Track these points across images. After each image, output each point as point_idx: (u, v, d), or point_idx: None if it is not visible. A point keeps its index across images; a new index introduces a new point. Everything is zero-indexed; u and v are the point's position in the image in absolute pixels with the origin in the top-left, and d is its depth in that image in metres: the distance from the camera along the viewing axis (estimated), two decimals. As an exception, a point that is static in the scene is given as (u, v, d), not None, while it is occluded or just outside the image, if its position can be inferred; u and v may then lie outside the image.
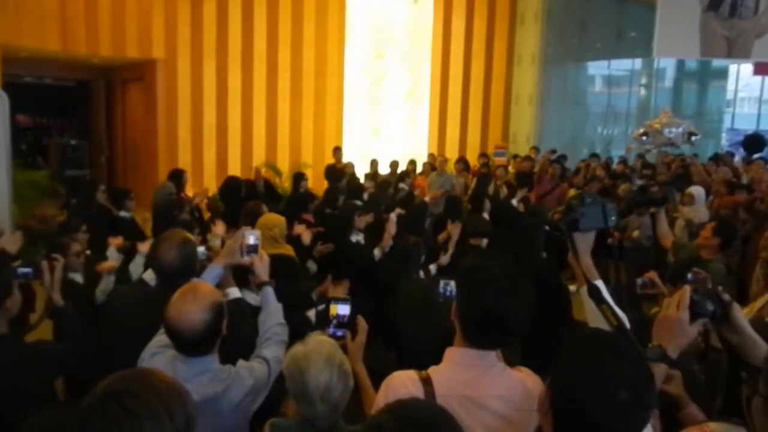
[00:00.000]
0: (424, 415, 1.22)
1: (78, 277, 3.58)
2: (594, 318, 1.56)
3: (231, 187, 6.08)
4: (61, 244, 3.45)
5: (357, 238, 5.00)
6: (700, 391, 2.24)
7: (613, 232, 6.76)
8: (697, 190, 6.47)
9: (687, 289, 1.46)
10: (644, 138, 12.45)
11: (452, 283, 2.40)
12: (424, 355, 1.87)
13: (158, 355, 2.02)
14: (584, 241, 1.63)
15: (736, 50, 8.33)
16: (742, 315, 1.47)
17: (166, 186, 6.55)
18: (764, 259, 3.20)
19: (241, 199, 5.58)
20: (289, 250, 4.16)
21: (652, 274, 3.25)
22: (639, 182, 7.64)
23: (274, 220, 4.14)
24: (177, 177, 6.63)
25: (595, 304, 1.56)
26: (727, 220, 5.20)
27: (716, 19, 8.25)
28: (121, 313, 2.45)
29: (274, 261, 2.50)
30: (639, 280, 3.28)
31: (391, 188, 7.73)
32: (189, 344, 1.93)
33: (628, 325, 1.54)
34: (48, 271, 2.47)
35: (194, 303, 1.92)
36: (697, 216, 6.12)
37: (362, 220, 5.04)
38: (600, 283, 1.58)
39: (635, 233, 6.46)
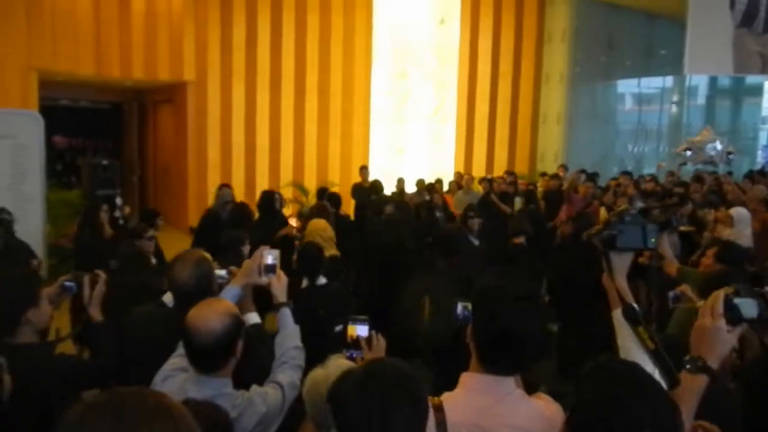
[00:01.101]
0: (391, 372, 1.33)
1: None
2: (628, 342, 1.48)
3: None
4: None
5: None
6: (735, 413, 2.13)
7: (644, 252, 6.61)
8: (737, 212, 5.91)
9: (720, 295, 1.37)
10: (688, 153, 12.27)
11: (470, 305, 2.34)
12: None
13: (171, 378, 1.99)
14: (621, 261, 1.56)
15: (771, 66, 8.14)
16: None
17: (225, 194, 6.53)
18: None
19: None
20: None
21: (685, 287, 3.11)
22: (639, 204, 7.27)
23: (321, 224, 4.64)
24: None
25: (630, 327, 1.48)
26: (729, 243, 4.85)
27: (750, 35, 8.08)
28: (137, 334, 2.44)
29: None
30: (671, 294, 3.15)
31: (413, 211, 7.62)
32: (203, 353, 1.89)
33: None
34: (89, 286, 2.49)
35: (213, 310, 1.91)
36: (739, 240, 5.51)
37: None
38: (636, 306, 1.51)
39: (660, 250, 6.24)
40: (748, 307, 1.36)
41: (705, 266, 3.67)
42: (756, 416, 2.15)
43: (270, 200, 6.29)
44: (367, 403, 1.29)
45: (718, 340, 1.36)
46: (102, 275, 2.57)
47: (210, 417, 1.59)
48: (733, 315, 1.35)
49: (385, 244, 4.91)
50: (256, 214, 6.33)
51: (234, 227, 5.06)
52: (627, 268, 1.58)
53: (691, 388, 1.36)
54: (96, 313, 2.50)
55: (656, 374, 1.40)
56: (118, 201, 6.34)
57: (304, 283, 3.69)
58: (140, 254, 4.15)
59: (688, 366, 1.38)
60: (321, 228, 4.84)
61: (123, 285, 3.17)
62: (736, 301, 1.36)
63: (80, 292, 2.52)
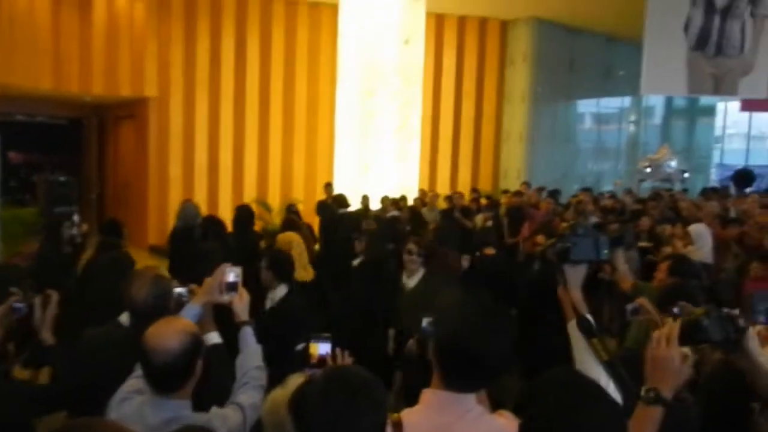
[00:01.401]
0: (354, 378, 1.33)
1: None
2: (582, 353, 1.49)
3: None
4: None
5: None
6: (693, 427, 2.16)
7: (603, 267, 6.72)
8: (696, 229, 6.06)
9: (675, 325, 1.38)
10: (647, 170, 12.64)
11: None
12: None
13: (127, 401, 1.91)
14: (575, 274, 1.57)
15: (723, 87, 8.44)
16: (756, 343, 1.41)
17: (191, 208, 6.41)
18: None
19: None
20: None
21: (643, 300, 3.16)
22: (594, 219, 7.35)
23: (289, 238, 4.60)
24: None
25: (585, 339, 1.49)
26: (681, 257, 4.92)
27: (703, 58, 8.38)
28: (92, 356, 2.35)
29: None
30: (629, 306, 3.19)
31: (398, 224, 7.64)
32: (161, 374, 1.82)
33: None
34: (40, 308, 2.39)
35: (171, 328, 1.85)
36: (698, 256, 5.62)
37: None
38: (590, 317, 1.52)
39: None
40: (716, 329, 1.37)
41: (659, 280, 3.69)
42: (717, 429, 2.19)
43: (249, 214, 6.20)
44: (332, 409, 1.28)
45: (673, 370, 1.37)
46: (54, 295, 2.47)
47: None
48: (701, 337, 1.36)
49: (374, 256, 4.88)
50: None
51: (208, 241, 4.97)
52: (581, 280, 1.59)
53: (647, 419, 1.37)
54: (48, 336, 2.40)
55: (610, 386, 1.41)
56: (76, 218, 6.14)
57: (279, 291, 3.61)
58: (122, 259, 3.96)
59: (643, 397, 1.38)
60: (288, 242, 4.68)
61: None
62: (705, 323, 1.36)
63: (31, 313, 2.41)
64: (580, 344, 1.50)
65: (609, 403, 1.20)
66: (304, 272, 4.59)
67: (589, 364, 1.46)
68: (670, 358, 1.36)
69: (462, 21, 13.11)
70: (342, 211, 8.18)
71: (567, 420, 1.12)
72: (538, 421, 1.16)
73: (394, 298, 4.16)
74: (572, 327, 1.53)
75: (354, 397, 1.30)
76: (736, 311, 1.45)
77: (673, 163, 12.79)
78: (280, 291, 3.58)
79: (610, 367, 1.43)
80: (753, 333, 1.43)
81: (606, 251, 1.57)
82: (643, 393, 1.38)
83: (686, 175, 13.29)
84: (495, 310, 1.58)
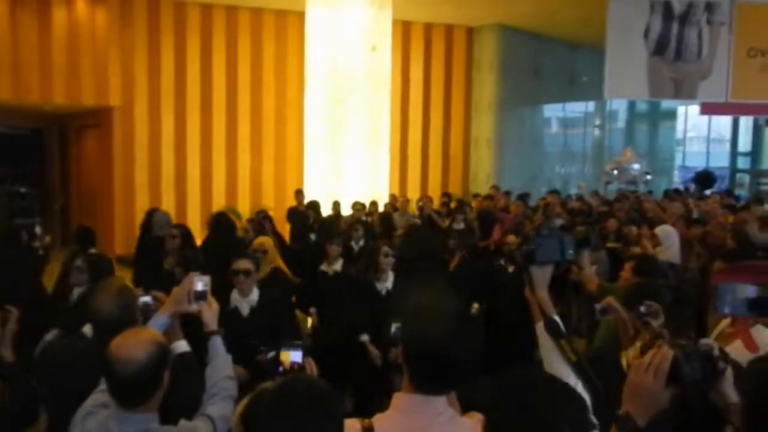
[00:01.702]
0: (308, 389, 1.33)
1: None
2: (550, 354, 1.50)
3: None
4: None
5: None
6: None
7: (573, 268, 6.82)
8: (663, 230, 6.06)
9: (667, 355, 1.31)
10: (614, 173, 12.89)
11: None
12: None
13: (92, 415, 1.86)
14: (541, 275, 1.57)
15: (682, 92, 8.66)
16: (731, 384, 1.37)
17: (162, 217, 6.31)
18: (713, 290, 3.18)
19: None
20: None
21: (611, 299, 3.19)
22: (559, 221, 7.29)
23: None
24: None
25: (552, 340, 1.49)
26: (645, 256, 4.93)
27: (663, 63, 8.59)
28: (55, 369, 2.28)
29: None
30: (597, 306, 3.22)
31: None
32: (127, 386, 1.77)
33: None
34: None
35: (136, 339, 1.81)
36: (666, 256, 5.67)
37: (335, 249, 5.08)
38: (557, 318, 1.52)
39: (594, 268, 6.44)
40: (693, 369, 1.32)
41: (624, 280, 3.71)
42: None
43: (228, 222, 6.14)
44: (285, 422, 1.26)
45: (654, 400, 1.33)
46: (14, 311, 2.40)
47: None
48: (678, 377, 1.31)
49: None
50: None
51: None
52: (547, 281, 1.59)
53: None
54: (7, 353, 2.33)
55: (579, 386, 1.41)
56: (38, 230, 5.99)
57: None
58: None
59: (618, 423, 1.35)
60: (261, 244, 4.84)
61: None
62: (683, 363, 1.31)
63: None
64: (548, 345, 1.50)
65: (573, 398, 1.20)
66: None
67: (558, 366, 1.46)
68: (654, 389, 1.31)
69: (428, 28, 13.21)
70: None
71: (531, 418, 1.13)
72: (503, 421, 1.17)
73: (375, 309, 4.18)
74: (540, 329, 1.53)
75: (307, 409, 1.28)
76: (716, 347, 1.39)
77: (636, 166, 13.10)
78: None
79: (579, 368, 1.43)
80: (728, 373, 1.39)
81: (571, 251, 1.58)
82: (617, 419, 1.34)
83: (649, 177, 13.61)
84: (461, 311, 1.58)
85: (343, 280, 4.87)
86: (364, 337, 4.26)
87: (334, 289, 4.77)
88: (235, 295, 3.61)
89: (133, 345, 1.78)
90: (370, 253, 4.62)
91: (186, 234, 5.28)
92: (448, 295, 1.58)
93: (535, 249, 1.55)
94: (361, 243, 6.38)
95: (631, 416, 1.33)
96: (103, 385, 1.91)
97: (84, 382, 1.99)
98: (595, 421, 1.21)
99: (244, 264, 3.60)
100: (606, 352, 3.26)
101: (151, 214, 6.35)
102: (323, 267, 5.08)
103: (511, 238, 5.04)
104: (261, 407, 1.30)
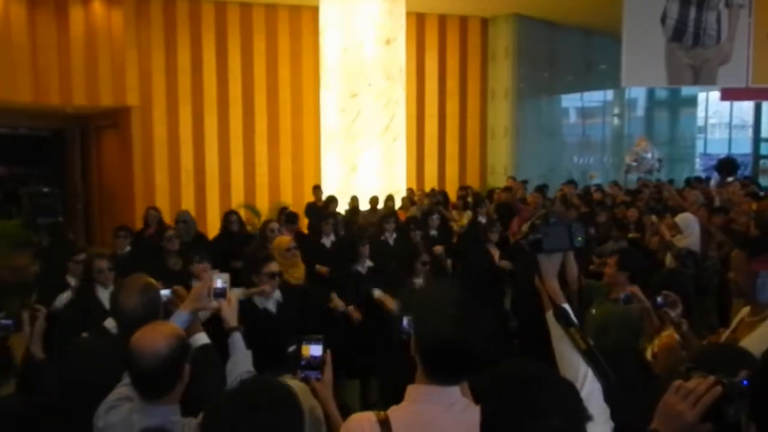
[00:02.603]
0: (265, 391, 1.33)
1: (105, 295, 3.68)
2: (560, 343, 1.50)
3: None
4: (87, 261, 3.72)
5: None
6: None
7: (594, 259, 6.77)
8: (681, 219, 5.97)
9: (715, 391, 1.19)
10: (634, 163, 12.76)
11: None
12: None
13: (115, 408, 1.91)
14: (550, 263, 1.56)
15: (701, 78, 8.52)
16: None
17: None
18: (733, 280, 3.12)
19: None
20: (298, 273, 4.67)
21: (635, 288, 3.16)
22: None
23: (276, 243, 4.75)
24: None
25: (562, 328, 1.49)
26: (629, 249, 4.79)
27: (681, 49, 8.46)
28: (79, 364, 2.34)
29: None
30: (621, 295, 3.21)
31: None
32: (149, 378, 1.82)
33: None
34: (29, 323, 2.39)
35: (158, 332, 1.86)
36: (684, 244, 5.60)
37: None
38: (567, 306, 1.52)
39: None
40: (735, 413, 1.20)
41: (608, 275, 3.61)
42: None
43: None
44: (243, 424, 1.28)
45: (686, 429, 1.22)
46: (42, 310, 2.47)
47: None
48: (721, 416, 1.19)
49: None
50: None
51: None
52: (556, 270, 1.58)
53: None
54: (37, 350, 2.40)
55: (589, 374, 1.41)
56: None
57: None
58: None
59: None
60: (282, 245, 4.82)
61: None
62: (731, 409, 1.18)
63: (19, 329, 2.41)
64: (558, 333, 1.50)
65: (564, 389, 1.20)
66: (298, 272, 4.72)
67: (568, 354, 1.46)
68: (689, 420, 1.21)
69: (443, 19, 13.14)
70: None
71: (521, 410, 1.13)
72: (494, 413, 1.18)
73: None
74: (549, 317, 1.53)
75: (266, 409, 1.30)
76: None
77: (649, 155, 12.94)
78: None
79: (589, 355, 1.42)
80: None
81: (580, 238, 1.55)
82: None
83: (661, 163, 13.46)
84: (473, 301, 1.59)
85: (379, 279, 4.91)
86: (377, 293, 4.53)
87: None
88: (258, 299, 3.72)
89: (155, 338, 1.83)
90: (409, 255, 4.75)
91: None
92: (459, 286, 1.59)
93: (542, 238, 1.54)
94: (395, 236, 6.47)
95: None
96: (126, 380, 1.96)
97: (108, 376, 2.03)
98: (590, 412, 1.19)
99: (275, 267, 3.76)
100: (623, 343, 3.24)
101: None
102: (358, 267, 5.09)
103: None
104: (220, 413, 1.31)
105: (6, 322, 2.40)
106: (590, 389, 1.38)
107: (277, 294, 3.77)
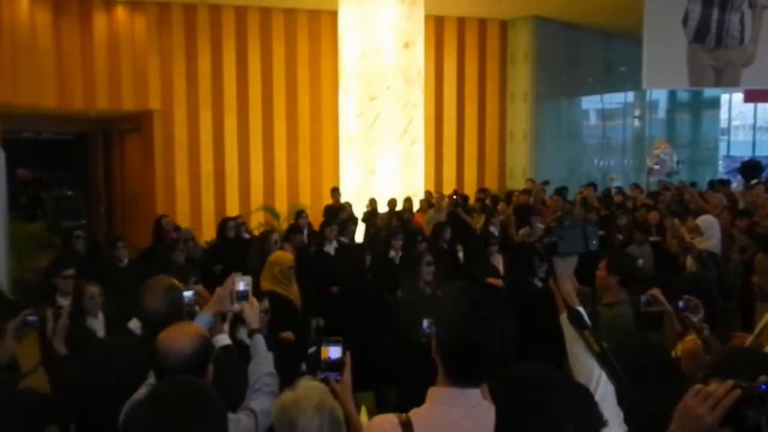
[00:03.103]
0: (181, 393, 1.34)
1: (97, 323, 3.47)
2: (574, 345, 1.50)
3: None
4: (77, 287, 3.48)
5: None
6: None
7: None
8: (702, 221, 5.89)
9: (734, 394, 1.20)
10: (656, 166, 12.62)
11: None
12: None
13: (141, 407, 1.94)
14: (565, 266, 1.56)
15: (724, 79, 8.42)
16: None
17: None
18: (757, 284, 3.07)
19: None
20: (295, 291, 4.41)
21: (655, 291, 3.11)
22: (540, 225, 6.88)
23: (276, 258, 4.44)
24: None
25: (576, 331, 1.49)
26: (620, 252, 4.69)
27: (703, 50, 8.37)
28: (105, 364, 2.39)
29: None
30: (642, 298, 3.15)
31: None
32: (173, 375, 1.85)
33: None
34: (52, 320, 2.45)
35: (182, 332, 1.90)
36: (705, 246, 5.51)
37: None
38: (581, 309, 1.52)
39: (640, 262, 6.34)
40: (755, 416, 1.19)
41: (599, 279, 3.51)
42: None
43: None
44: (160, 425, 1.29)
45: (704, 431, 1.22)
46: (66, 308, 2.54)
47: None
48: (740, 419, 1.19)
49: None
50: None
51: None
52: (571, 273, 1.58)
53: None
54: (60, 346, 2.45)
55: (603, 377, 1.41)
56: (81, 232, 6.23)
57: None
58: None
59: None
60: (283, 263, 4.50)
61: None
62: (750, 415, 1.18)
63: (44, 326, 2.47)
64: (572, 336, 1.50)
65: (578, 394, 1.19)
66: (290, 288, 4.49)
67: (582, 356, 1.46)
68: (708, 422, 1.20)
69: (461, 22, 13.14)
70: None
71: (533, 415, 1.13)
72: (507, 417, 1.18)
73: None
74: (563, 320, 1.54)
75: (183, 410, 1.30)
76: None
77: (669, 157, 12.78)
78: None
79: (602, 358, 1.42)
80: None
81: (595, 242, 1.55)
82: None
83: (680, 165, 13.28)
84: (492, 302, 1.60)
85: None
86: None
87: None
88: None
89: (180, 338, 1.87)
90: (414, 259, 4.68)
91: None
92: (479, 288, 1.60)
93: (557, 241, 1.53)
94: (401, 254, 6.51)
95: None
96: (151, 379, 2.00)
97: (130, 376, 2.07)
98: (605, 417, 1.17)
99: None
100: (636, 337, 3.18)
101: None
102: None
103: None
104: (137, 415, 1.33)
105: (32, 318, 2.47)
106: (604, 392, 1.38)
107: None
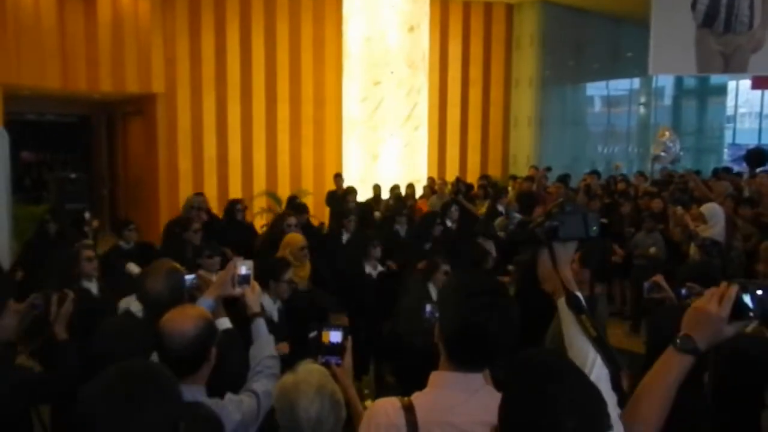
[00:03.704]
0: (132, 373, 1.35)
1: (93, 287, 3.68)
2: (570, 328, 1.50)
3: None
4: (72, 252, 3.54)
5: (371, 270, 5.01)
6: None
7: (616, 251, 6.71)
8: (707, 209, 5.97)
9: (733, 287, 1.33)
10: (663, 154, 12.54)
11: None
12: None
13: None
14: (564, 252, 1.56)
15: (732, 65, 8.34)
16: None
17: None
18: (762, 272, 3.07)
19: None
20: (306, 272, 4.49)
21: (659, 278, 3.11)
22: (517, 216, 6.79)
23: (288, 239, 4.58)
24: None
25: (573, 315, 1.49)
26: (591, 246, 4.71)
27: (711, 35, 8.28)
28: (106, 346, 2.40)
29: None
30: (646, 284, 3.16)
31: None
32: (177, 358, 1.86)
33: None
34: (56, 304, 2.47)
35: (186, 315, 1.92)
36: (709, 234, 5.60)
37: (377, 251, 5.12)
38: (579, 294, 1.52)
39: (652, 250, 6.34)
40: (758, 306, 1.32)
41: (574, 272, 3.52)
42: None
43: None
44: (111, 406, 1.29)
45: (716, 329, 1.34)
46: (70, 294, 2.55)
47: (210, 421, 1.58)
48: (740, 311, 1.32)
49: None
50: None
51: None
52: (570, 258, 1.59)
53: (675, 367, 1.36)
54: (61, 331, 2.47)
55: (597, 361, 1.42)
56: (87, 215, 6.23)
57: None
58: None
59: (678, 342, 1.36)
60: (293, 243, 4.59)
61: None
62: (745, 298, 1.32)
63: (47, 309, 2.48)
64: (569, 320, 1.50)
65: (578, 377, 1.19)
66: (304, 271, 4.54)
67: (578, 340, 1.47)
68: (718, 317, 1.32)
69: (467, 6, 13.02)
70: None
71: (537, 399, 1.12)
72: (512, 404, 1.17)
73: None
74: (561, 304, 1.54)
75: (135, 390, 1.30)
76: None
77: (674, 144, 12.69)
78: None
79: (598, 342, 1.43)
80: None
81: (596, 228, 1.56)
82: (678, 340, 1.36)
83: (682, 153, 13.22)
84: (496, 287, 1.60)
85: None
86: None
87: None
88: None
89: (183, 320, 1.88)
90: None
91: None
92: (481, 272, 1.60)
93: (558, 226, 1.54)
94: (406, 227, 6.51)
95: (692, 337, 1.35)
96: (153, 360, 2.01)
97: (135, 357, 2.08)
98: (611, 421, 1.18)
99: (292, 273, 3.79)
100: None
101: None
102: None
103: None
104: (88, 397, 1.32)
105: (38, 302, 2.50)
106: (598, 375, 1.39)
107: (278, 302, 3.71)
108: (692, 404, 1.87)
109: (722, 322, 1.32)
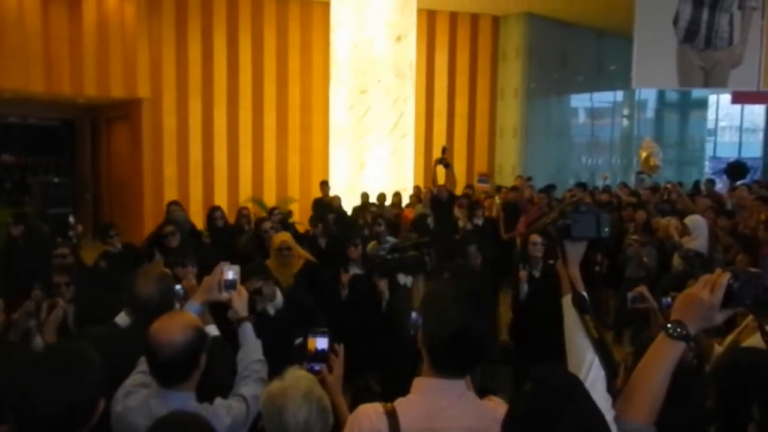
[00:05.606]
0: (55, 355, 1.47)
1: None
2: (572, 326, 1.52)
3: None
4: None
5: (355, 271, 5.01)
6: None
7: (601, 261, 6.75)
8: (691, 221, 6.06)
9: (726, 275, 1.36)
10: (645, 177, 12.65)
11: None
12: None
13: (133, 394, 1.95)
14: (575, 250, 1.59)
15: (712, 80, 8.51)
16: None
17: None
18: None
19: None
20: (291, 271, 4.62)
21: (642, 288, 3.14)
22: (390, 240, 6.36)
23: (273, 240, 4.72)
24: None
25: (578, 314, 1.51)
26: (552, 265, 4.76)
27: (692, 51, 8.45)
28: (97, 350, 2.38)
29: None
30: (629, 295, 3.17)
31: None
32: (167, 366, 1.87)
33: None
34: (46, 311, 2.46)
35: (176, 323, 1.91)
36: (693, 246, 5.69)
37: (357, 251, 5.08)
38: (585, 294, 1.55)
39: (645, 259, 6.33)
40: (746, 292, 1.36)
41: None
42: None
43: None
44: (30, 384, 1.43)
45: (708, 316, 1.36)
46: (61, 301, 2.54)
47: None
48: (733, 302, 1.35)
49: None
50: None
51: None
52: (580, 257, 1.61)
53: (667, 353, 1.37)
54: (50, 337, 2.46)
55: (595, 362, 1.44)
56: (71, 219, 6.17)
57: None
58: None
59: (670, 328, 1.37)
60: (273, 244, 4.80)
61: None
62: (735, 286, 1.35)
63: (37, 315, 2.48)
64: (572, 318, 1.52)
65: (587, 403, 1.20)
66: (288, 272, 4.67)
67: (578, 338, 1.48)
68: (710, 304, 1.35)
69: (454, 17, 13.14)
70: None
71: (543, 420, 1.14)
72: (517, 421, 1.19)
73: None
74: (566, 301, 1.56)
75: (53, 371, 1.41)
76: (758, 270, 1.45)
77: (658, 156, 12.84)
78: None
79: (598, 344, 1.45)
80: None
81: (607, 229, 1.58)
82: (669, 326, 1.38)
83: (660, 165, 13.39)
84: (477, 293, 1.61)
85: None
86: None
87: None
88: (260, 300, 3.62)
89: (173, 328, 1.87)
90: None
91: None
92: (464, 279, 1.62)
93: (571, 224, 1.56)
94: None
95: (683, 323, 1.37)
96: (141, 366, 2.01)
97: (123, 363, 2.08)
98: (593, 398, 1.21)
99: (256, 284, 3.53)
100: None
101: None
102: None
103: (534, 238, 4.93)
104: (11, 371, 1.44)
105: (32, 310, 2.51)
106: (595, 376, 1.41)
107: (279, 300, 3.68)
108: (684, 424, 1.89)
109: (714, 309, 1.35)
